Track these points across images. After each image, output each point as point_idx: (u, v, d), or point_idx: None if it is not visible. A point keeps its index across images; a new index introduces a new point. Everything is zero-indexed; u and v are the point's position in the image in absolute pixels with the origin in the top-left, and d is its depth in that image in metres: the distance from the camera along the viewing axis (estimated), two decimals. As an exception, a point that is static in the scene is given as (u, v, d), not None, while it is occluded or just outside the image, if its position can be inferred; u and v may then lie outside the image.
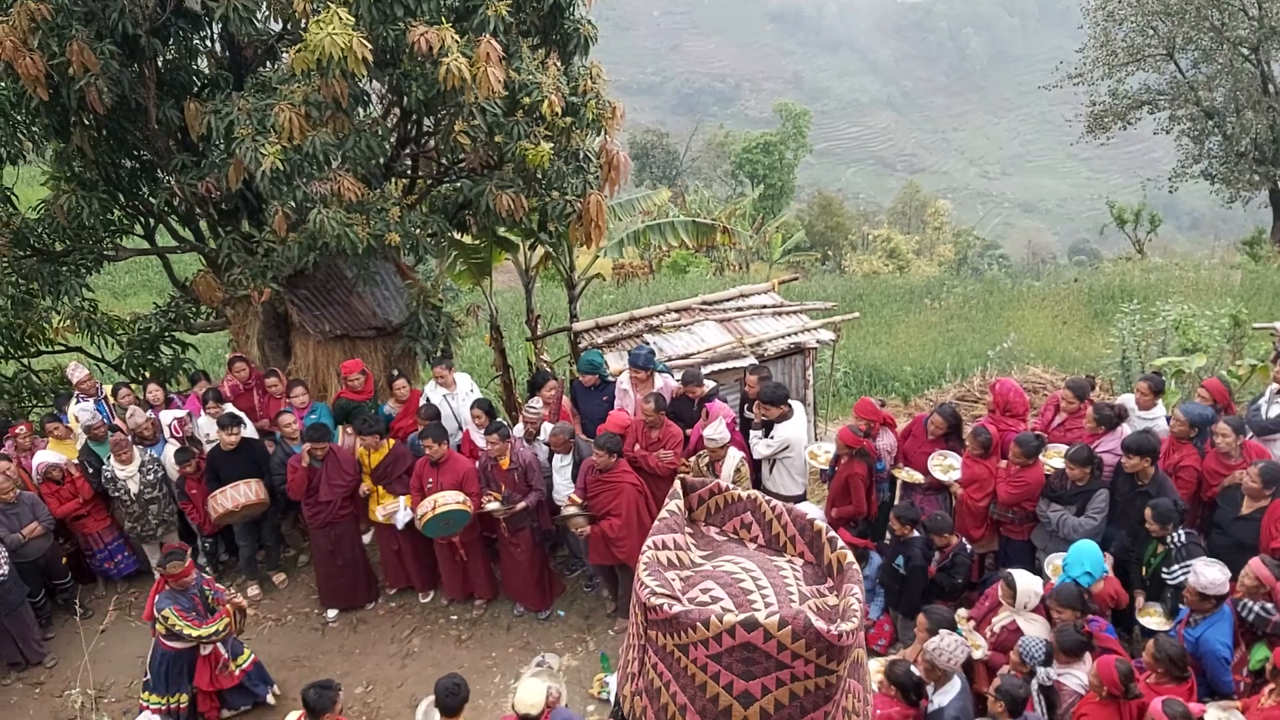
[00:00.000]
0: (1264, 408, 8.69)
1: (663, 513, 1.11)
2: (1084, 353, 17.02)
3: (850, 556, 1.06)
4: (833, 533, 1.09)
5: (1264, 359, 11.48)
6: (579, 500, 8.88)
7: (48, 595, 9.79)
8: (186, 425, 9.92)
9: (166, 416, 10.02)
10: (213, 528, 9.94)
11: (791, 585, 1.04)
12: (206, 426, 9.93)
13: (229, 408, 10.00)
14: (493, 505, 8.99)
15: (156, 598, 8.03)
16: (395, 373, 10.37)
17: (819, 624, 0.93)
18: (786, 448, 9.14)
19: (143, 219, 11.25)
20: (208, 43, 10.38)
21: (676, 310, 11.92)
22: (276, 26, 10.00)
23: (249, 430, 9.94)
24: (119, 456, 9.53)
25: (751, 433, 9.25)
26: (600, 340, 11.20)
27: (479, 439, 9.52)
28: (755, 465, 9.25)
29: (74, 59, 8.61)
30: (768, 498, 1.13)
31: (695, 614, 0.96)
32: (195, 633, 7.95)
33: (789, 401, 9.22)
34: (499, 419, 9.59)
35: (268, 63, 10.22)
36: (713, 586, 1.02)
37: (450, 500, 8.72)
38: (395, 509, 9.32)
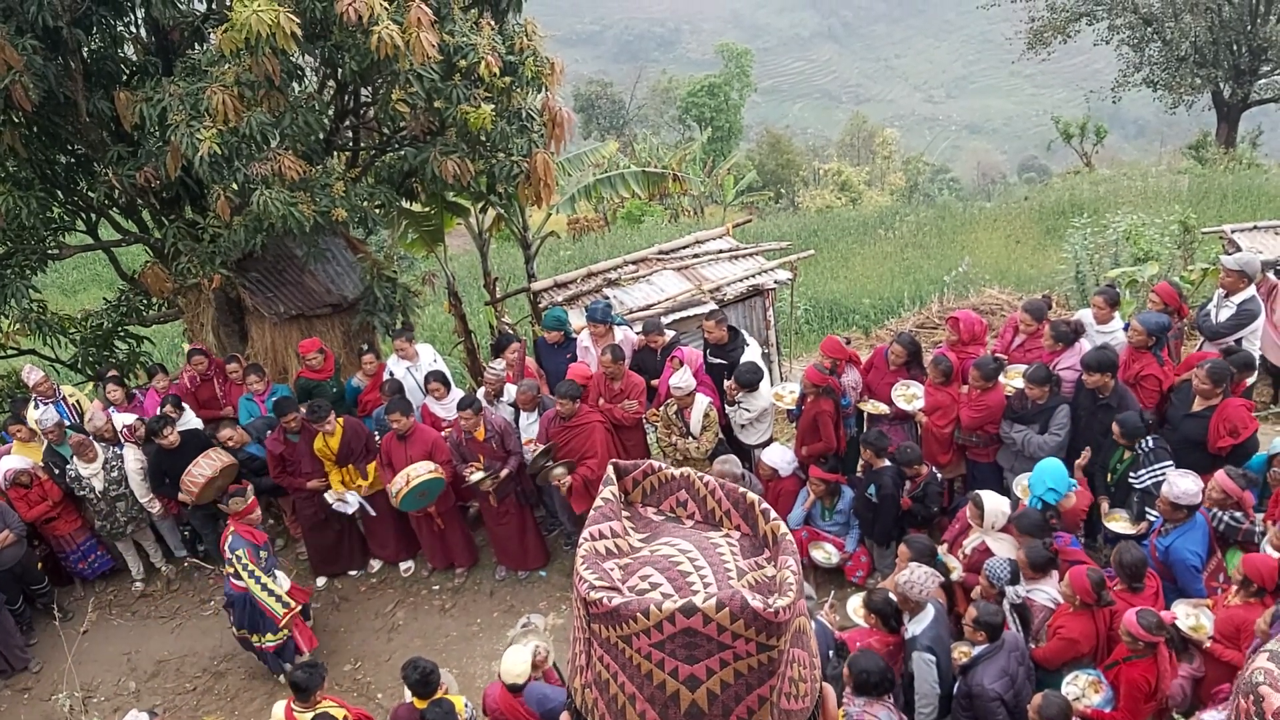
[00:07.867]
0: (1213, 312, 8.82)
1: (598, 500, 1.12)
2: (1038, 270, 17.16)
3: (784, 528, 1.07)
4: (765, 504, 1.10)
5: (1214, 262, 11.64)
6: (544, 447, 8.88)
7: (26, 601, 9.72)
8: (138, 429, 9.78)
9: (119, 421, 9.86)
10: (192, 510, 9.90)
11: (729, 562, 1.05)
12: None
13: (185, 404, 9.95)
14: (477, 477, 9.00)
15: (229, 540, 8.23)
16: (365, 347, 10.39)
17: (755, 603, 0.94)
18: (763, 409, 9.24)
19: (84, 214, 11.03)
20: (132, 29, 10.13)
21: (634, 262, 11.89)
22: (201, 7, 9.79)
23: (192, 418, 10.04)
24: (81, 455, 9.42)
25: (727, 408, 9.32)
26: (560, 298, 11.15)
27: (438, 410, 9.55)
28: (724, 409, 9.32)
29: (-6, 58, 8.38)
30: (700, 474, 1.15)
31: (635, 604, 0.96)
32: (264, 581, 8.16)
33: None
34: (466, 392, 9.58)
35: (196, 45, 9.96)
36: (651, 573, 1.03)
37: (422, 471, 8.71)
38: (342, 495, 9.40)
